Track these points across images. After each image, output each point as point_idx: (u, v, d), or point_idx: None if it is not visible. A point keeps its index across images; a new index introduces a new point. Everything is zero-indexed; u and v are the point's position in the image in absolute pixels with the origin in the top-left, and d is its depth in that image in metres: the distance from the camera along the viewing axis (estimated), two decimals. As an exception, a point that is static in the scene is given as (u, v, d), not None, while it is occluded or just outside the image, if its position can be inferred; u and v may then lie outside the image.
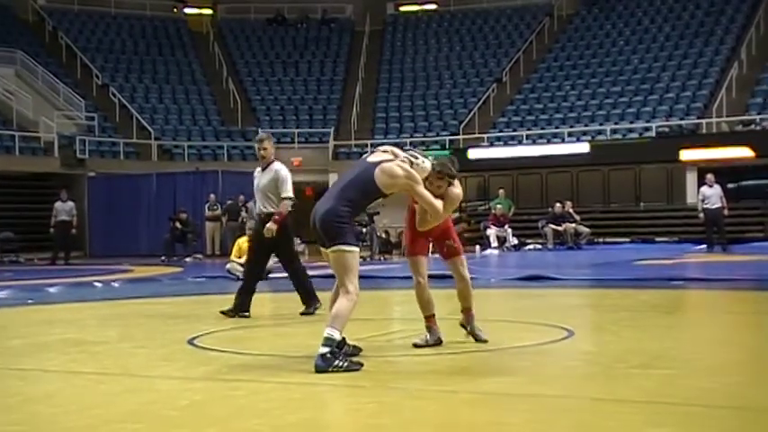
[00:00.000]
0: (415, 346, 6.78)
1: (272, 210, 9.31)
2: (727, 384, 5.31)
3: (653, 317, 8.98)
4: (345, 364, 5.83)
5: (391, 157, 6.22)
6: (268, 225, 9.20)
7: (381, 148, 6.45)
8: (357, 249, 6.09)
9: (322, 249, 6.26)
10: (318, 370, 5.77)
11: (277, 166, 9.49)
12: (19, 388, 5.74)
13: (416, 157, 6.26)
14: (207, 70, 34.83)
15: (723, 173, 23.91)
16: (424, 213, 6.53)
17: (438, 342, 6.82)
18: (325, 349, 5.80)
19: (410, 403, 5.08)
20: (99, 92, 31.99)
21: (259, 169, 9.63)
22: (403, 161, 6.18)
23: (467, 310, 7.00)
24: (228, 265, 15.52)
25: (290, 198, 9.36)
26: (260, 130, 31.11)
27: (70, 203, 23.16)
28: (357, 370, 5.86)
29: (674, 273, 13.78)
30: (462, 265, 6.96)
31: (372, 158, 6.26)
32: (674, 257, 18.00)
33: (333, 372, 5.75)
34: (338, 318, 5.89)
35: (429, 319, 6.87)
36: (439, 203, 6.33)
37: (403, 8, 38.62)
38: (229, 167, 28.09)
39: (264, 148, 9.46)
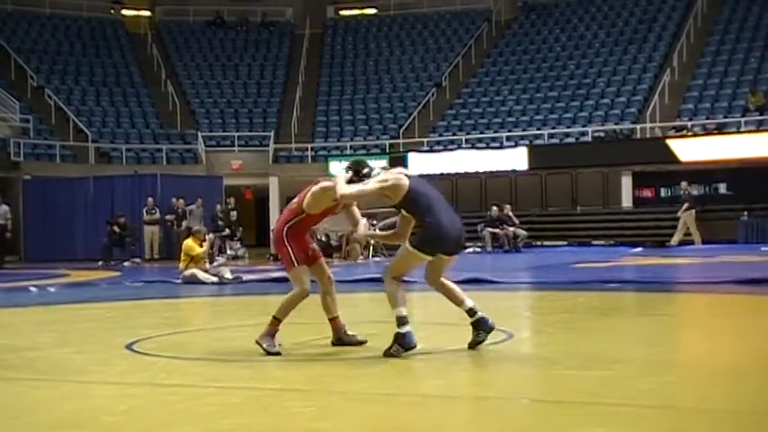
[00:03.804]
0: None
1: None
2: (660, 384, 5.43)
3: (590, 319, 9.12)
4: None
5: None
6: None
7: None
8: None
9: (450, 258, 6.83)
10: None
11: None
12: (-48, 395, 5.64)
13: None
14: (145, 72, 34.42)
15: (657, 177, 24.42)
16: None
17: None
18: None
19: (350, 406, 5.10)
20: (34, 94, 31.43)
21: None
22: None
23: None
24: (214, 270, 15.43)
25: None
26: (199, 133, 30.95)
27: (5, 207, 22.71)
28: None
29: (611, 275, 13.99)
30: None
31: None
32: (610, 260, 18.27)
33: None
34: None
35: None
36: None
37: (343, 12, 38.63)
38: (168, 171, 27.78)
39: None
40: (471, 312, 6.69)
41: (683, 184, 23.43)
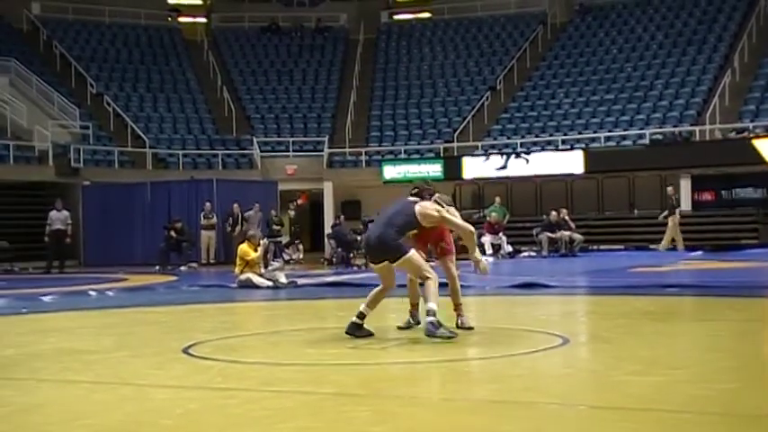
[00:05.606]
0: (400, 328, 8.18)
1: None
2: (719, 391, 5.33)
3: (647, 324, 8.99)
4: (447, 333, 7.33)
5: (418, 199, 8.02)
6: None
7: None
8: (413, 251, 7.65)
9: (372, 265, 7.99)
10: (428, 334, 7.30)
11: None
12: (11, 398, 5.73)
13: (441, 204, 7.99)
14: (201, 79, 34.81)
15: (717, 180, 24.03)
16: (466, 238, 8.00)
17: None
18: (432, 318, 7.32)
19: (405, 411, 5.08)
20: (93, 100, 31.97)
21: None
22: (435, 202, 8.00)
23: (458, 306, 8.16)
24: (269, 274, 15.54)
25: None
26: (254, 138, 31.24)
27: (65, 212, 23.10)
28: (454, 337, 7.35)
29: (669, 280, 13.80)
30: (452, 263, 8.29)
31: (410, 198, 8.01)
32: (668, 264, 18.02)
33: (438, 337, 7.22)
34: (432, 294, 7.42)
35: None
36: (466, 224, 8.10)
37: (397, 16, 38.66)
38: (224, 176, 28.07)
39: None
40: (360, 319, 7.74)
41: (669, 189, 23.06)
